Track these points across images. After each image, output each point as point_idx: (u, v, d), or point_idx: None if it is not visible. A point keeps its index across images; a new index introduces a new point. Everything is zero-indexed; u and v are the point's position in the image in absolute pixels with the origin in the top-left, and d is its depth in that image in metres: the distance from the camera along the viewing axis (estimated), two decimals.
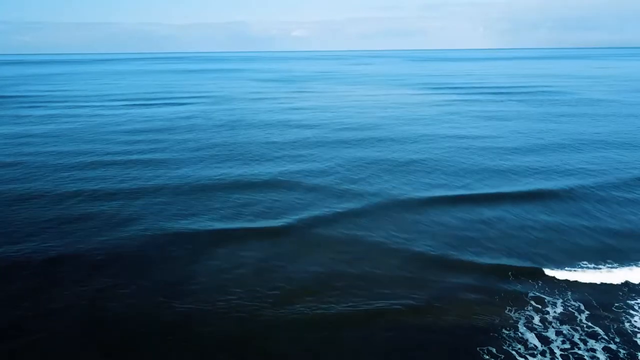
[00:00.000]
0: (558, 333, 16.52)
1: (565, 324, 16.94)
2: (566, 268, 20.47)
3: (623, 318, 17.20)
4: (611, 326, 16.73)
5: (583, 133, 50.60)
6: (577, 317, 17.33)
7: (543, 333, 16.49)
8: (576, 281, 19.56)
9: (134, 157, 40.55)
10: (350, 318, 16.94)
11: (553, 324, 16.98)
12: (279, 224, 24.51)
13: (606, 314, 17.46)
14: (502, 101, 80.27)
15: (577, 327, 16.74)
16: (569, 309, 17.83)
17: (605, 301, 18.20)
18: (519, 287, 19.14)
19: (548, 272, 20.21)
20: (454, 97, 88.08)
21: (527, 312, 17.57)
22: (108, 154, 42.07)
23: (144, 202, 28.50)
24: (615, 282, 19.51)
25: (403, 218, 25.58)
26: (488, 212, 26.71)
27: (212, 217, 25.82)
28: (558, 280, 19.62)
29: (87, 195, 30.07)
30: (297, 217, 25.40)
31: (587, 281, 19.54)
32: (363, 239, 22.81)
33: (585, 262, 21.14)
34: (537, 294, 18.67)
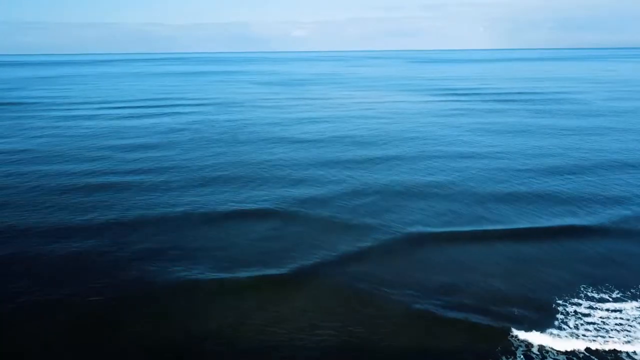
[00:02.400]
0: None
1: None
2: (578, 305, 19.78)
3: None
4: None
5: (602, 150, 48.74)
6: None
7: None
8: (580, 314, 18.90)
9: (129, 178, 38.97)
10: None
11: None
12: (278, 271, 22.88)
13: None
14: (512, 110, 78.79)
15: None
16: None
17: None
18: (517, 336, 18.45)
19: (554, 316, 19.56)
20: (461, 105, 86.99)
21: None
22: (103, 174, 40.70)
23: (133, 238, 26.91)
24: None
25: (403, 261, 24.10)
26: (493, 252, 25.52)
27: (207, 261, 24.14)
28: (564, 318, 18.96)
29: (73, 228, 28.46)
30: (299, 261, 23.79)
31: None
32: (364, 288, 21.43)
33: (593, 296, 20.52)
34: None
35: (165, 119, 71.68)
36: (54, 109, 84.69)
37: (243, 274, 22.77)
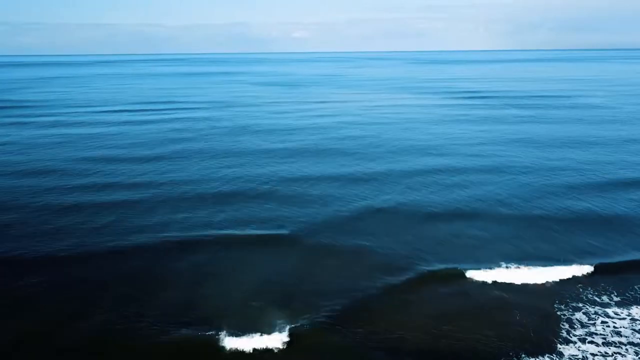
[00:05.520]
0: None
1: None
2: None
3: None
4: None
5: (611, 163, 46.72)
6: None
7: None
8: None
9: (127, 196, 36.54)
10: None
11: None
12: (295, 324, 20.12)
13: None
14: (528, 116, 76.03)
15: None
16: None
17: None
18: None
19: None
20: (471, 110, 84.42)
21: None
22: (99, 189, 38.64)
23: (120, 273, 24.51)
24: None
25: (421, 304, 21.95)
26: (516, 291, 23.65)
27: (205, 309, 21.26)
28: None
29: (59, 254, 26.28)
30: (320, 310, 21.15)
31: None
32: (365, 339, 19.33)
33: None
34: None
35: (167, 124, 69.95)
36: (54, 113, 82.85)
37: (253, 329, 19.63)
